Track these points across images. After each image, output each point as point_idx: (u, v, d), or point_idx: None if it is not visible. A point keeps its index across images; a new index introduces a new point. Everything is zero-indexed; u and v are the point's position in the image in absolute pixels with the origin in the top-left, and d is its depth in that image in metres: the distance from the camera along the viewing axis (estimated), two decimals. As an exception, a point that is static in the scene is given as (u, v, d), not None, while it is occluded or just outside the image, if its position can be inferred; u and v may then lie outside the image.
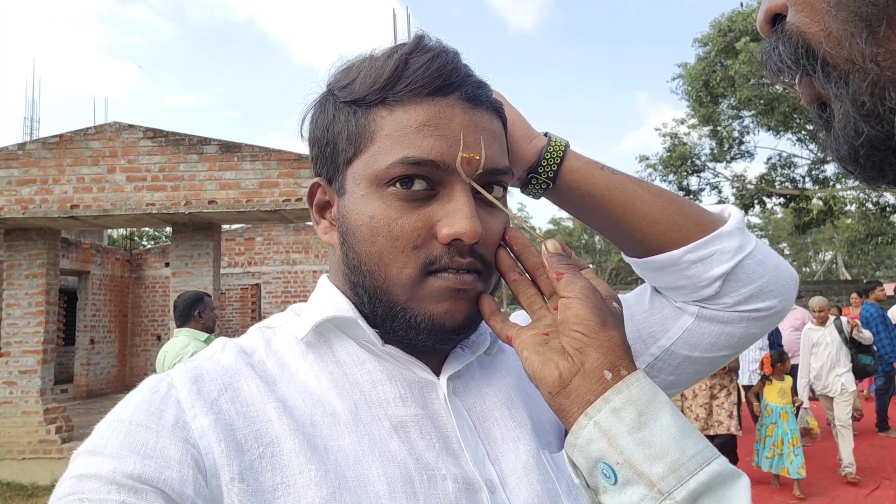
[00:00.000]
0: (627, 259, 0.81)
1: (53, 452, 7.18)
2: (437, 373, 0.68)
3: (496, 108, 0.68)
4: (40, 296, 7.49)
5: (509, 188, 0.80)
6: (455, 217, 0.61)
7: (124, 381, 13.92)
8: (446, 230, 0.61)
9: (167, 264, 12.73)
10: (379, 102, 0.63)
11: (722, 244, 0.74)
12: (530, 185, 0.77)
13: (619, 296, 0.83)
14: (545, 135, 0.77)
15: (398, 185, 0.61)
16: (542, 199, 0.80)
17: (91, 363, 12.98)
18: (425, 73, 0.62)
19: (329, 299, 0.68)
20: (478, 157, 0.62)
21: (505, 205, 0.69)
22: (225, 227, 12.47)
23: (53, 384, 7.83)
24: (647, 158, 21.43)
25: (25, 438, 7.26)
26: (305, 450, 0.58)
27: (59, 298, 13.87)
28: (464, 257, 0.62)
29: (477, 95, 0.64)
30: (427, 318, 0.62)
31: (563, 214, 38.30)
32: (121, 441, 0.54)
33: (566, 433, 0.71)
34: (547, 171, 0.75)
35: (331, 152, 0.67)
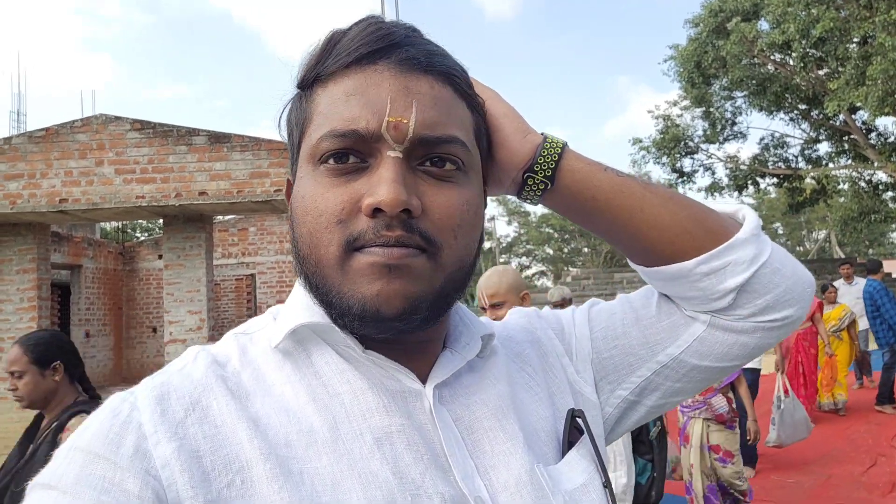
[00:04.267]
0: (634, 266, 0.76)
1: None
2: (424, 379, 0.63)
3: (447, 74, 0.61)
4: (32, 291, 7.45)
5: (510, 197, 0.76)
6: (377, 185, 0.55)
7: (121, 373, 13.90)
8: (367, 200, 0.55)
9: (160, 256, 12.67)
10: (315, 81, 0.61)
11: (736, 254, 0.68)
12: (526, 187, 0.70)
13: (624, 296, 0.80)
14: (542, 134, 0.71)
15: (331, 160, 0.58)
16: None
17: (87, 356, 12.94)
18: (352, 42, 0.59)
19: (303, 303, 0.63)
20: (405, 121, 0.56)
21: (471, 185, 0.61)
22: (218, 218, 12.41)
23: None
24: (640, 141, 21.39)
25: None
26: (278, 475, 0.54)
27: (53, 292, 13.81)
28: (391, 230, 0.55)
29: (412, 58, 0.58)
30: (359, 301, 0.56)
31: (557, 198, 38.29)
32: (77, 474, 0.50)
33: (566, 433, 0.68)
34: (544, 170, 0.68)
35: (293, 142, 0.65)
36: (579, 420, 0.69)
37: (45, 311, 7.67)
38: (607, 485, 0.67)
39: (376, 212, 0.55)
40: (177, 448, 0.52)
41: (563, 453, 0.67)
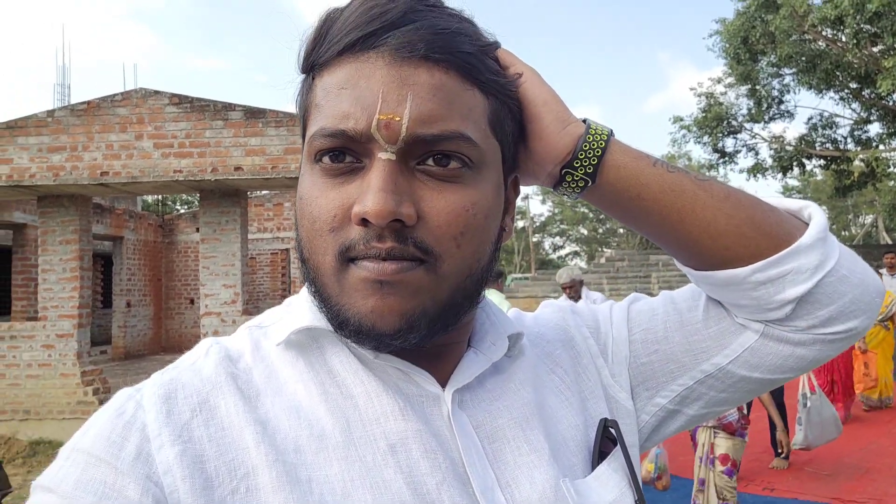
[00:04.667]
0: (682, 268, 0.69)
1: (91, 413, 7.38)
2: (444, 382, 0.59)
3: (450, 58, 0.53)
4: (74, 261, 7.67)
5: (543, 187, 0.69)
6: (365, 193, 0.51)
7: (160, 342, 14.31)
8: (355, 209, 0.51)
9: (198, 229, 12.94)
10: (313, 67, 0.57)
11: (798, 261, 0.61)
12: (564, 183, 0.64)
13: (668, 294, 0.74)
14: (583, 121, 0.63)
15: (326, 159, 0.53)
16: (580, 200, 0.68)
17: (128, 325, 13.35)
18: (345, 25, 0.53)
19: (310, 304, 0.60)
20: (398, 118, 0.51)
21: (481, 183, 0.56)
22: (254, 192, 12.56)
23: (92, 346, 8.08)
24: (682, 119, 20.88)
25: (65, 399, 7.52)
26: (285, 483, 0.51)
27: (96, 263, 14.23)
28: (382, 242, 0.51)
29: (409, 43, 0.52)
30: (355, 316, 0.53)
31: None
32: (77, 478, 0.49)
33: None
34: (585, 166, 0.62)
35: (301, 130, 0.61)
36: (612, 430, 0.64)
37: (86, 282, 7.89)
38: (640, 502, 0.62)
39: (365, 221, 0.51)
40: (180, 453, 0.51)
41: (594, 466, 0.62)
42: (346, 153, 0.53)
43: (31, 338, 7.62)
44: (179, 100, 7.17)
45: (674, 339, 0.69)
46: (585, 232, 40.69)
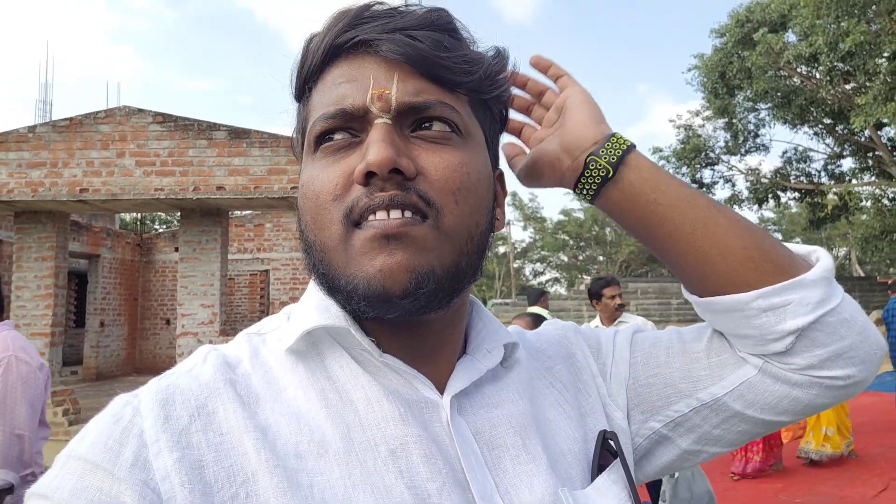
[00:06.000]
0: (688, 296, 0.71)
1: (60, 434, 7.23)
2: (442, 388, 0.60)
3: (431, 70, 0.58)
4: (49, 279, 7.54)
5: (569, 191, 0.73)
6: (366, 151, 0.54)
7: (133, 363, 14.04)
8: (358, 167, 0.54)
9: (177, 249, 12.79)
10: (306, 87, 0.62)
11: (801, 294, 0.62)
12: (586, 173, 0.67)
13: (675, 328, 0.75)
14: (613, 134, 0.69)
15: (323, 142, 0.58)
16: (591, 205, 0.71)
17: (101, 346, 13.09)
18: (321, 36, 0.59)
19: (318, 304, 0.60)
20: (387, 91, 0.56)
21: (472, 150, 0.59)
22: (234, 212, 12.50)
23: (63, 366, 7.90)
24: (661, 150, 21.25)
25: (34, 420, 7.33)
26: (286, 489, 0.51)
27: (71, 281, 14.00)
28: (385, 191, 0.53)
29: (389, 42, 0.57)
30: (363, 280, 0.53)
31: (575, 205, 38.22)
32: (73, 485, 0.49)
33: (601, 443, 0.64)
34: (609, 156, 0.66)
35: (300, 144, 0.64)
36: (611, 442, 0.65)
37: (61, 299, 7.75)
38: None
39: (368, 176, 0.53)
40: (178, 459, 0.50)
41: (593, 477, 0.63)
42: (340, 132, 0.57)
43: (1, 356, 7.45)
44: (163, 118, 7.15)
45: (674, 364, 0.70)
46: (566, 259, 40.97)
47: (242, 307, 15.63)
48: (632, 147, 0.67)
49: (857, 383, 0.66)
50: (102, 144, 7.08)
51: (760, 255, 0.64)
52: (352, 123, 0.57)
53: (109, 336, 13.35)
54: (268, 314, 15.42)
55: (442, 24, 0.60)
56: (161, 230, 19.04)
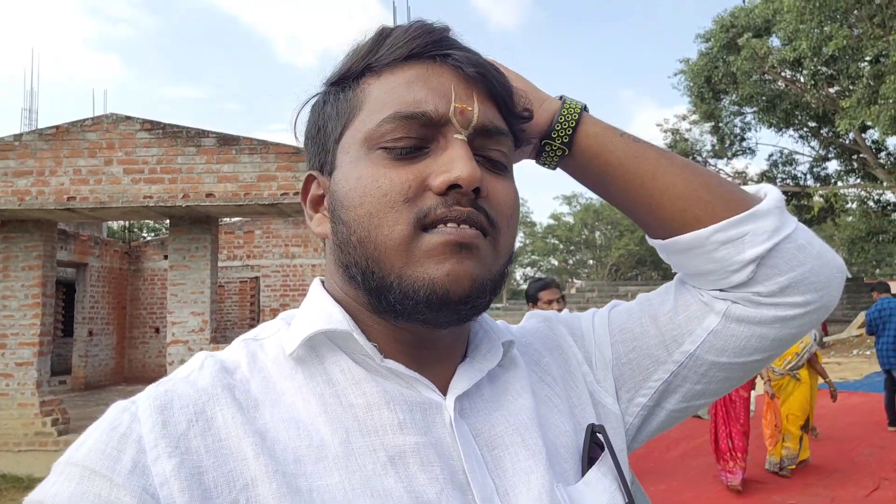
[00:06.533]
0: (652, 242, 0.74)
1: (49, 445, 7.15)
2: (445, 391, 0.61)
3: (491, 81, 0.62)
4: (36, 288, 7.46)
5: (526, 161, 0.75)
6: (452, 163, 0.55)
7: (122, 373, 13.91)
8: (442, 177, 0.55)
9: (166, 256, 12.69)
10: (365, 71, 0.61)
11: (756, 224, 0.65)
12: (544, 153, 0.70)
13: (643, 294, 0.77)
14: (560, 98, 0.71)
15: (389, 143, 0.57)
16: (557, 171, 0.74)
17: (89, 355, 12.95)
18: (407, 35, 0.60)
19: (321, 309, 0.61)
20: (470, 108, 0.58)
21: (513, 181, 0.64)
22: (224, 220, 12.43)
23: (52, 375, 7.81)
24: (649, 154, 21.34)
25: (21, 430, 7.23)
26: (286, 494, 0.51)
27: (59, 290, 13.85)
28: (463, 206, 0.56)
29: (469, 63, 0.60)
30: (427, 283, 0.55)
31: (565, 209, 38.33)
32: (72, 492, 0.49)
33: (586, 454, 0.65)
34: (561, 136, 0.68)
35: (322, 137, 0.63)
36: (600, 436, 0.66)
37: (49, 309, 7.67)
38: None
39: (451, 189, 0.55)
40: (177, 465, 0.50)
41: (584, 472, 0.64)
42: (410, 138, 0.57)
43: (-13, 366, 7.36)
44: (151, 125, 7.11)
45: (649, 332, 0.72)
46: (556, 263, 41.05)
47: (233, 315, 15.54)
48: (581, 115, 0.69)
49: (819, 308, 0.68)
50: (90, 152, 7.02)
51: (711, 195, 0.67)
52: (425, 130, 0.57)
53: (98, 345, 13.22)
54: (258, 321, 15.31)
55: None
56: (149, 238, 18.90)
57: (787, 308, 0.67)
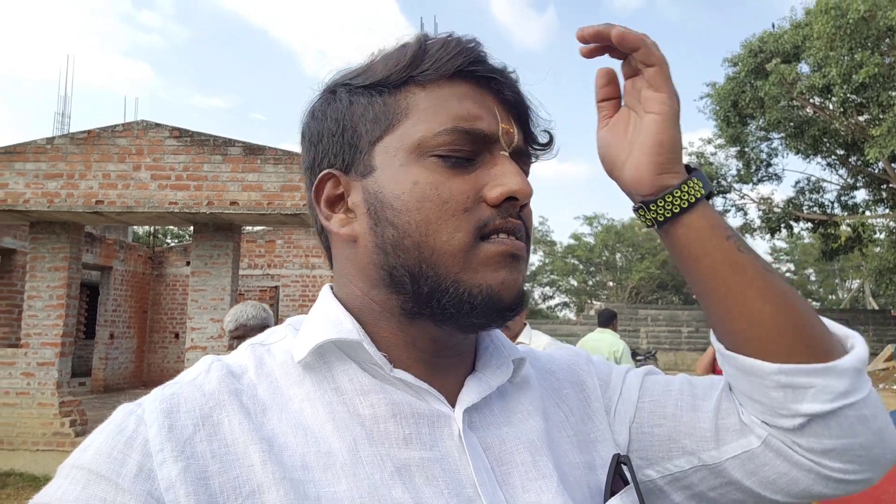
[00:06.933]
0: (714, 343, 0.70)
1: (67, 445, 7.23)
2: (453, 402, 0.60)
3: (525, 106, 0.66)
4: (61, 289, 7.58)
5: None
6: (507, 177, 0.59)
7: (141, 376, 14.05)
8: (499, 189, 0.59)
9: (188, 263, 12.85)
10: (407, 81, 0.62)
11: (827, 381, 0.60)
12: (638, 213, 0.68)
13: (687, 377, 0.74)
14: (690, 170, 0.66)
15: (443, 153, 0.59)
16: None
17: (109, 357, 13.11)
18: (450, 51, 0.61)
19: (331, 317, 0.61)
20: (512, 131, 0.62)
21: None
22: (246, 228, 12.56)
23: (72, 377, 7.91)
24: (673, 177, 21.18)
25: (40, 430, 7.32)
26: (293, 501, 0.51)
27: (82, 292, 14.07)
28: (515, 218, 0.60)
29: (507, 87, 0.63)
30: (485, 289, 0.57)
31: (585, 230, 38.13)
32: (76, 495, 0.49)
33: (610, 481, 0.63)
34: (658, 213, 0.65)
35: (350, 138, 0.62)
36: (624, 467, 0.64)
37: (72, 310, 7.79)
38: None
39: (507, 200, 0.59)
40: (183, 469, 0.50)
41: (606, 500, 0.62)
42: (462, 150, 0.60)
43: (10, 364, 7.47)
44: (180, 133, 7.24)
45: (681, 419, 0.69)
46: (575, 283, 40.81)
47: (251, 323, 15.64)
48: (695, 204, 0.64)
49: (859, 482, 0.64)
50: (119, 157, 7.16)
51: (794, 334, 0.62)
52: (475, 146, 0.60)
53: (118, 348, 13.39)
54: (276, 331, 15.43)
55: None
56: (173, 244, 19.16)
57: (826, 469, 0.63)
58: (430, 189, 0.58)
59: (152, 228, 17.83)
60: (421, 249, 0.57)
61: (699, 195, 0.64)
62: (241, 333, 3.26)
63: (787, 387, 0.61)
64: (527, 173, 0.65)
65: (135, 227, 15.60)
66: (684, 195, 0.64)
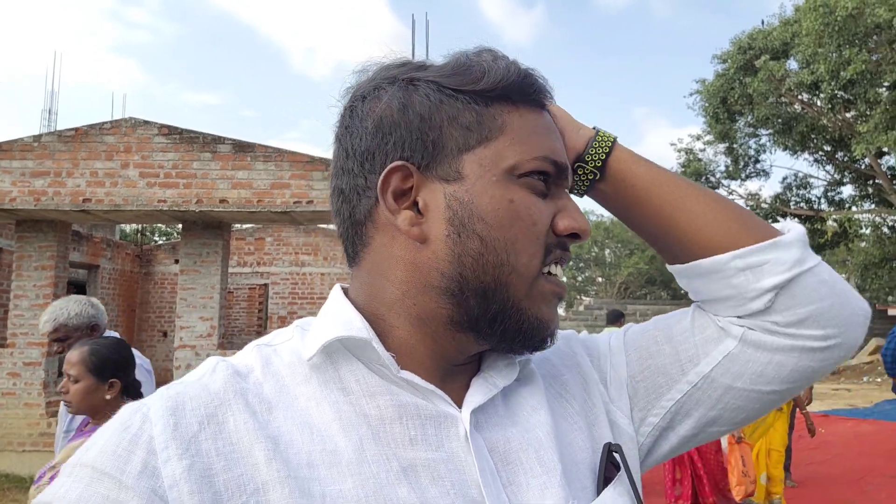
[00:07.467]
0: (671, 268, 0.75)
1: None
2: (459, 403, 0.61)
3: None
4: (48, 288, 7.50)
5: None
6: (574, 213, 0.63)
7: (129, 375, 13.93)
8: (569, 222, 0.62)
9: (177, 261, 12.75)
10: (502, 99, 0.62)
11: (778, 253, 0.66)
12: (576, 178, 0.73)
13: (659, 315, 0.77)
14: (594, 128, 0.75)
15: (533, 179, 0.61)
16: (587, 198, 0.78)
17: (97, 357, 12.99)
18: (538, 84, 0.64)
19: (342, 316, 0.61)
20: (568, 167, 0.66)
21: None
22: (236, 226, 12.49)
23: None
24: (662, 173, 21.30)
25: (26, 430, 7.25)
26: (298, 499, 0.51)
27: (69, 291, 13.94)
28: (569, 252, 0.64)
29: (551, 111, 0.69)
30: (540, 322, 0.61)
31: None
32: (80, 493, 0.48)
33: (602, 476, 0.65)
34: (594, 160, 0.72)
35: (435, 137, 0.60)
36: (616, 455, 0.65)
37: (59, 309, 7.69)
38: None
39: (571, 235, 0.62)
40: (188, 467, 0.50)
41: (599, 490, 0.63)
42: (544, 179, 0.62)
43: (-4, 365, 7.39)
44: (169, 130, 7.17)
45: (664, 351, 0.73)
46: (564, 279, 41.03)
47: (240, 321, 15.56)
48: (614, 144, 0.73)
49: (838, 345, 0.67)
50: (107, 155, 7.08)
51: (737, 223, 0.69)
52: (556, 177, 0.63)
53: (106, 347, 13.26)
54: (265, 329, 15.32)
55: None
56: (161, 242, 19.02)
57: (805, 339, 0.67)
58: (524, 209, 0.60)
59: (140, 227, 17.69)
60: (502, 268, 0.59)
61: (613, 136, 0.74)
62: (63, 336, 2.81)
63: (746, 269, 0.67)
64: None
65: (122, 225, 15.47)
66: (605, 137, 0.73)
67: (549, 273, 0.62)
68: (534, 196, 0.61)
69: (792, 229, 0.70)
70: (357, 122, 0.63)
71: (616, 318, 6.15)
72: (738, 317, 0.69)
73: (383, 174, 0.60)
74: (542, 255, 0.61)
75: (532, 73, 0.64)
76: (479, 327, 0.60)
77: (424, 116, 0.60)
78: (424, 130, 0.60)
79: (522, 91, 0.63)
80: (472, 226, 0.58)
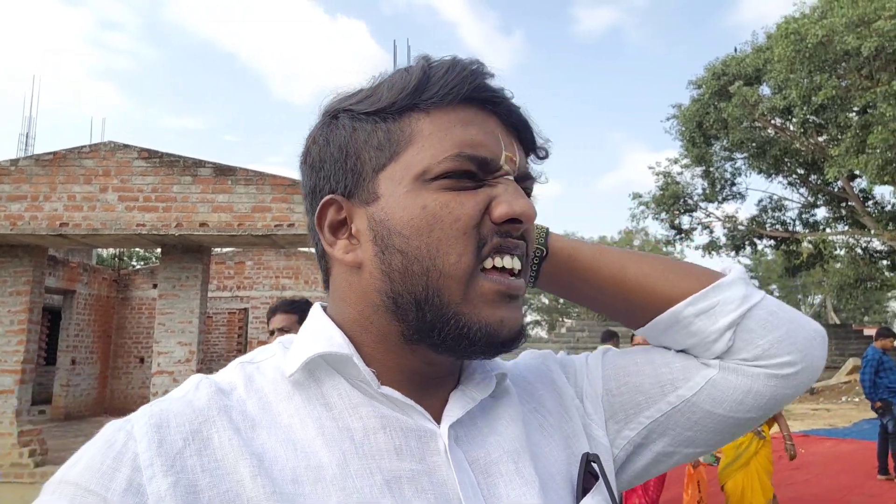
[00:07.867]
0: (637, 333, 0.78)
1: (25, 477, 6.95)
2: (438, 418, 0.62)
3: (528, 130, 0.67)
4: (23, 314, 7.36)
5: None
6: (509, 197, 0.59)
7: (104, 403, 13.64)
8: (503, 208, 0.59)
9: (155, 286, 12.58)
10: (411, 108, 0.62)
11: (724, 294, 0.71)
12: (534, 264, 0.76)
13: (645, 347, 0.79)
14: None
15: (447, 179, 0.59)
16: (544, 212, 0.79)
17: (71, 384, 12.71)
18: (454, 78, 0.61)
19: (323, 332, 0.62)
20: (515, 159, 0.63)
21: None
22: (215, 249, 12.38)
23: (31, 405, 7.64)
24: (640, 196, 21.59)
25: (-3, 461, 7.04)
26: None
27: (43, 317, 13.66)
28: (516, 238, 0.61)
29: (510, 113, 0.65)
30: (483, 326, 0.58)
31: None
32: None
33: (580, 487, 0.66)
34: (539, 241, 0.74)
35: (353, 165, 0.62)
36: (594, 465, 0.67)
37: (34, 336, 7.55)
38: None
39: (510, 222, 0.59)
40: (173, 483, 0.50)
41: (578, 500, 0.64)
42: (466, 176, 0.60)
43: (-33, 393, 7.19)
44: (149, 154, 7.12)
45: (644, 371, 0.75)
46: (546, 301, 41.05)
47: (219, 346, 15.36)
48: (547, 231, 0.76)
49: (806, 369, 0.71)
50: (85, 179, 7.01)
51: (677, 274, 0.74)
52: (478, 170, 0.60)
53: (80, 374, 12.99)
54: (245, 353, 15.18)
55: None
56: (139, 266, 18.76)
57: (776, 368, 0.70)
58: (441, 208, 0.58)
59: (118, 251, 17.45)
60: (429, 274, 0.58)
61: (544, 226, 0.76)
62: None
63: (700, 313, 0.71)
64: (529, 195, 0.65)
65: (100, 249, 15.24)
66: (539, 227, 0.75)
67: (495, 267, 0.60)
68: (453, 193, 0.59)
69: (733, 269, 0.75)
70: (302, 164, 0.67)
71: (609, 338, 6.15)
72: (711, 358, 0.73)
73: (317, 210, 0.64)
74: (473, 250, 0.58)
75: (450, 69, 0.62)
76: (427, 338, 0.59)
77: (342, 146, 0.63)
78: (343, 160, 0.63)
79: (431, 93, 0.61)
80: (391, 242, 0.59)
